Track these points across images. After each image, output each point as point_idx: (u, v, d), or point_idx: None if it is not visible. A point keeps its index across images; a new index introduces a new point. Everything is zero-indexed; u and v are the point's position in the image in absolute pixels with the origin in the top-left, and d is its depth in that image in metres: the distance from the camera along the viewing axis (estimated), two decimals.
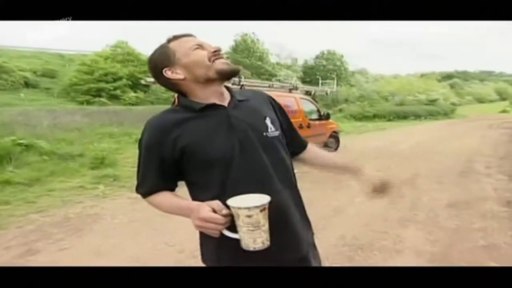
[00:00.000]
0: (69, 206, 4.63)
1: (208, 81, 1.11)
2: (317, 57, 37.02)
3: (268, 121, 1.16)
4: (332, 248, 3.04)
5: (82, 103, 17.53)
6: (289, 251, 1.12)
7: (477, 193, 4.84)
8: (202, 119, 1.10)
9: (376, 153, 8.88)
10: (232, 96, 1.17)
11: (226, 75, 1.14)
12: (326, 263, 1.21)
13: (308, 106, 8.65)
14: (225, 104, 1.14)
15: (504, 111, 33.32)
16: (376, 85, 35.55)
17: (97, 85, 18.80)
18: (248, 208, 0.92)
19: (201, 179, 1.10)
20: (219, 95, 1.15)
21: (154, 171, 1.12)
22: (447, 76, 63.27)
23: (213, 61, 1.10)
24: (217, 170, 1.06)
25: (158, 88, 18.54)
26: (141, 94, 19.51)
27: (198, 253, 1.26)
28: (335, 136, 9.41)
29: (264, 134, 1.13)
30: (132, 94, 19.17)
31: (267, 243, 0.96)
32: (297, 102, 8.06)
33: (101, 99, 18.03)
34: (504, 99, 51.25)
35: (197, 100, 1.12)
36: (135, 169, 1.18)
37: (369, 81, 34.11)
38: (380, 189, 1.21)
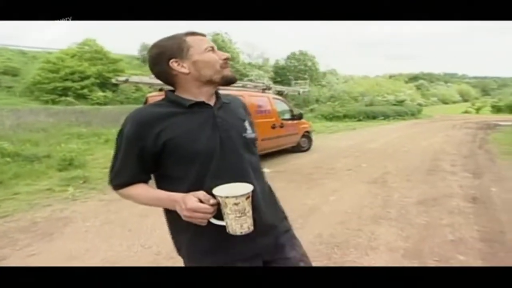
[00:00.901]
0: (36, 210, 4.44)
1: (209, 82, 1.18)
2: (288, 58, 37.27)
3: (246, 123, 1.27)
4: (311, 246, 3.08)
5: (47, 102, 16.85)
6: (259, 237, 1.16)
7: (444, 190, 5.03)
8: (189, 115, 1.15)
9: (347, 152, 9.06)
10: (218, 97, 1.25)
11: (227, 82, 1.21)
12: None
13: (281, 106, 8.73)
14: (212, 104, 1.21)
15: (466, 112, 35.03)
16: (346, 85, 36.28)
17: (63, 84, 18.14)
18: (236, 197, 0.98)
19: (179, 173, 1.13)
20: (210, 96, 1.22)
21: (133, 163, 1.13)
22: (414, 78, 65.79)
23: (223, 68, 1.18)
24: (198, 164, 1.11)
25: (127, 87, 18.11)
26: (109, 94, 18.97)
27: (175, 254, 1.27)
28: (307, 136, 9.54)
29: (243, 135, 1.23)
30: (100, 93, 18.61)
31: (252, 227, 1.03)
32: (270, 102, 8.13)
33: (68, 98, 17.38)
34: (466, 100, 54.01)
35: (186, 97, 1.18)
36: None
37: (339, 82, 34.70)
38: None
